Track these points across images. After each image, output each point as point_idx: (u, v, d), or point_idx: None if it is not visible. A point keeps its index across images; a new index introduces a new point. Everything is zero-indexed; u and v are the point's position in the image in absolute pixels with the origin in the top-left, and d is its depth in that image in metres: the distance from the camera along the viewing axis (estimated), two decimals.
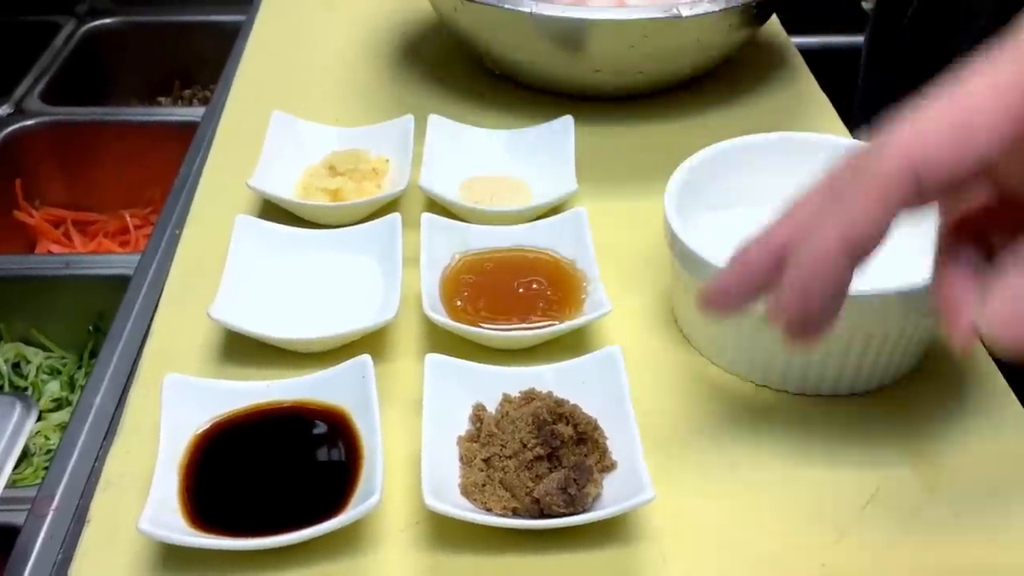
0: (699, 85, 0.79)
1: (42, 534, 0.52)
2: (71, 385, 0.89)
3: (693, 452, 0.49)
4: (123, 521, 0.45)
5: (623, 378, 0.49)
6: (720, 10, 0.70)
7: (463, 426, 0.48)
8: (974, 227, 0.37)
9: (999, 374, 0.53)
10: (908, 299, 0.48)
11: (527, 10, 0.70)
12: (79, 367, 0.90)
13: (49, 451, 0.82)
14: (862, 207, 0.32)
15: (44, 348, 0.91)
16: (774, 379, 0.52)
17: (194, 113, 1.05)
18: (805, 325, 0.34)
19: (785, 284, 0.34)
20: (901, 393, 0.52)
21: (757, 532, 0.45)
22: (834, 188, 0.34)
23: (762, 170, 0.59)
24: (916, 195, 0.31)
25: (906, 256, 0.44)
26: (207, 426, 0.48)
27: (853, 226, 0.32)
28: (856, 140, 0.61)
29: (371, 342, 0.54)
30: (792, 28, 0.90)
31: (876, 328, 0.49)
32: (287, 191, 0.64)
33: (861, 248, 0.32)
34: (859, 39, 0.93)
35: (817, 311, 0.34)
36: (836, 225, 0.32)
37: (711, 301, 0.38)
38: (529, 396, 0.49)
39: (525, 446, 0.45)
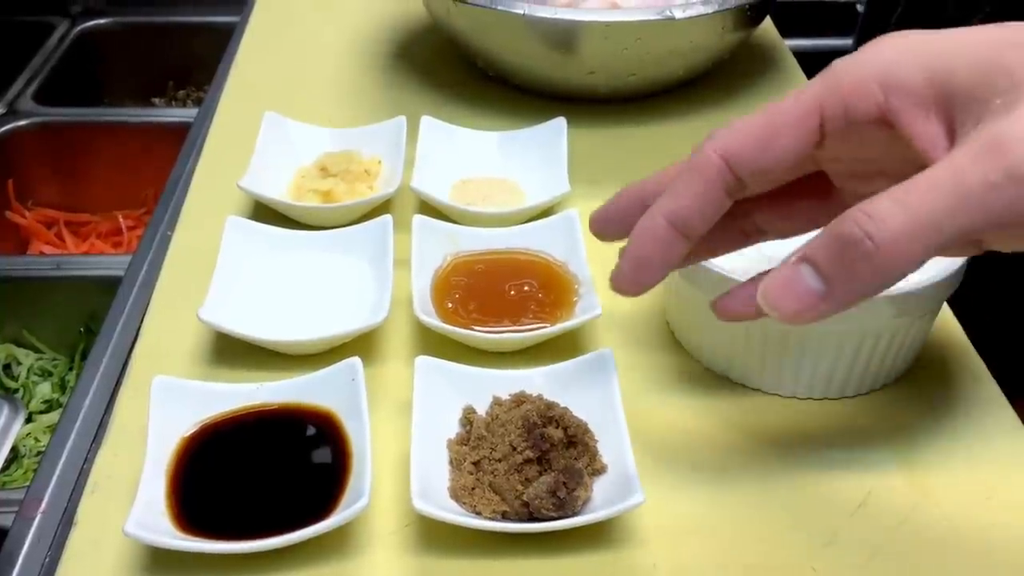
0: (693, 87, 0.79)
1: (30, 536, 0.52)
2: (62, 387, 0.89)
3: (684, 455, 0.49)
4: (111, 524, 0.44)
5: (614, 381, 0.48)
6: (714, 12, 0.70)
7: (453, 429, 0.48)
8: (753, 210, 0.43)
9: (991, 379, 0.53)
10: (900, 302, 0.48)
11: (520, 12, 0.70)
12: (70, 369, 0.90)
13: (40, 453, 0.82)
14: (684, 189, 0.39)
15: (35, 350, 0.91)
16: (766, 383, 0.52)
17: (188, 114, 1.05)
18: (632, 285, 0.41)
19: (623, 252, 0.41)
20: (893, 397, 0.52)
21: (747, 536, 0.45)
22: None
23: None
24: (735, 181, 0.38)
25: None
26: (195, 428, 0.48)
27: (676, 204, 0.39)
28: None
29: (361, 344, 0.53)
30: (786, 30, 0.90)
31: (868, 331, 0.49)
32: (279, 192, 0.64)
33: (683, 222, 0.39)
34: (851, 41, 0.93)
35: (644, 274, 0.41)
36: (663, 204, 0.39)
37: (594, 224, 0.45)
38: (519, 399, 0.48)
39: (515, 449, 0.45)
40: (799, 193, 0.42)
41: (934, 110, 0.35)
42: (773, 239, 0.44)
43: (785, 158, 0.38)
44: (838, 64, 0.37)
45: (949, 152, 0.33)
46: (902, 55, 0.36)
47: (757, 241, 0.44)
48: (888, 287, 0.34)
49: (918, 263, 0.33)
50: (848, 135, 0.37)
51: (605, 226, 0.44)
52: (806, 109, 0.37)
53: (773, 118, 0.38)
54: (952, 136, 0.35)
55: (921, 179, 0.33)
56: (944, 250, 0.33)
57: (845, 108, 0.36)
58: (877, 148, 0.38)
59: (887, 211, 0.32)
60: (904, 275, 0.34)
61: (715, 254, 0.45)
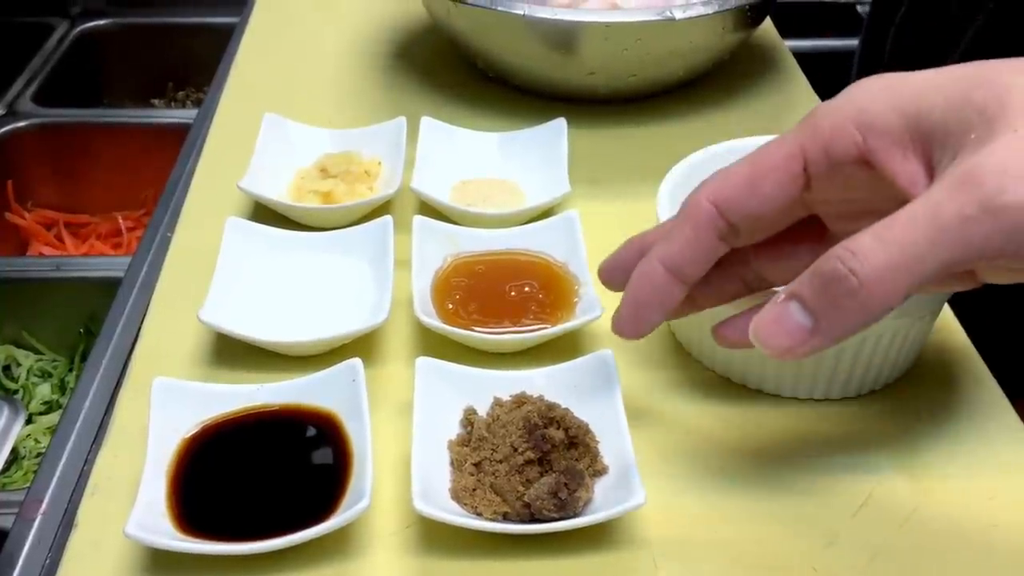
0: (692, 88, 0.79)
1: (30, 538, 0.52)
2: (62, 388, 0.89)
3: (685, 456, 0.49)
4: (111, 526, 0.44)
5: (615, 382, 0.48)
6: (714, 13, 0.70)
7: (454, 430, 0.48)
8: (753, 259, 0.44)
9: (993, 380, 0.53)
10: None
11: (520, 13, 0.70)
12: (70, 370, 0.90)
13: (39, 454, 0.82)
14: (678, 235, 0.41)
15: (35, 351, 0.91)
16: (767, 383, 0.52)
17: (187, 115, 1.05)
18: (632, 328, 0.43)
19: (623, 297, 0.43)
20: (894, 399, 0.52)
21: (748, 537, 0.45)
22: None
23: None
24: (727, 226, 0.40)
25: None
26: (196, 429, 0.48)
27: (671, 250, 0.41)
28: None
29: (362, 345, 0.53)
30: (786, 30, 0.90)
31: (869, 332, 0.49)
32: (279, 193, 0.64)
33: (678, 267, 0.41)
34: (852, 42, 0.93)
35: (643, 318, 0.43)
36: (658, 250, 0.41)
37: (601, 273, 0.47)
38: (520, 400, 0.48)
39: (516, 450, 0.45)
40: (795, 238, 0.43)
41: (911, 148, 0.36)
42: (775, 287, 0.44)
43: (773, 201, 0.39)
44: (818, 109, 0.39)
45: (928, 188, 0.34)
46: (878, 97, 0.37)
47: (760, 290, 0.45)
48: (876, 320, 0.35)
49: (902, 297, 0.34)
50: (833, 177, 0.38)
51: (612, 275, 0.46)
52: (789, 153, 0.39)
53: (758, 164, 0.39)
54: (931, 173, 0.36)
55: (901, 215, 0.34)
56: (933, 284, 0.34)
57: (826, 150, 0.38)
58: (863, 188, 0.39)
59: (868, 247, 0.33)
60: (890, 309, 0.34)
61: (719, 303, 0.45)
